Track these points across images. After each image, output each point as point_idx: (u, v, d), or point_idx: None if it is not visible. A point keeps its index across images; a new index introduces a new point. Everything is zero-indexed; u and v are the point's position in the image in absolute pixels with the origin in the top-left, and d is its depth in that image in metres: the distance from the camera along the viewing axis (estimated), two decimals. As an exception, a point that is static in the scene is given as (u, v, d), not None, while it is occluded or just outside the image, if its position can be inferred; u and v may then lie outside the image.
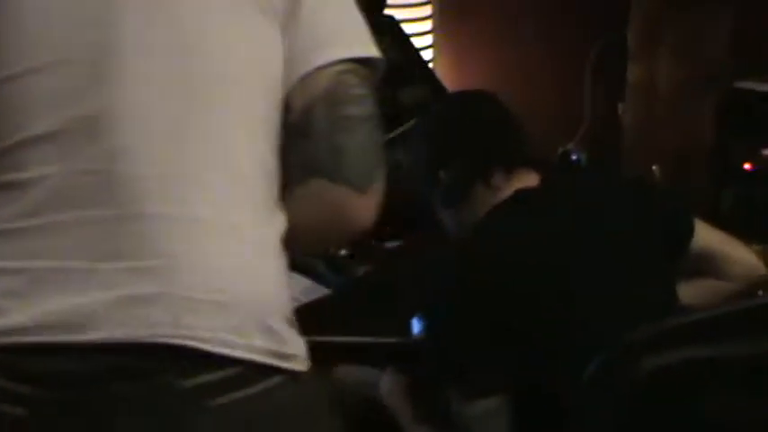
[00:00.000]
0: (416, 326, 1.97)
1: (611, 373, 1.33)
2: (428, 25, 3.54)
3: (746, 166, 3.13)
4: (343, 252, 2.30)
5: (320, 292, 2.17)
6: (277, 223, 1.35)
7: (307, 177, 1.35)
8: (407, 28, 3.22)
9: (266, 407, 1.28)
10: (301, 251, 1.43)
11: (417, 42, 3.22)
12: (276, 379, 1.28)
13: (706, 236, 1.90)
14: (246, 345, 1.26)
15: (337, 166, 1.32)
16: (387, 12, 3.06)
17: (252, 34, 1.34)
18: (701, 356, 1.31)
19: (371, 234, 2.46)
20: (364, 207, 1.35)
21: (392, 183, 2.05)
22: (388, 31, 2.97)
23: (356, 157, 1.33)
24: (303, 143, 1.34)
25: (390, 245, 2.46)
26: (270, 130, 1.35)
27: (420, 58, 3.01)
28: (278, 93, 1.35)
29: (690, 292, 1.88)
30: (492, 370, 1.69)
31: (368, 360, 2.04)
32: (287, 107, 1.35)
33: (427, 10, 3.53)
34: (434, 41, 3.56)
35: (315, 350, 1.96)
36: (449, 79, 3.53)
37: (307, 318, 2.07)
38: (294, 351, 1.31)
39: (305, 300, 2.12)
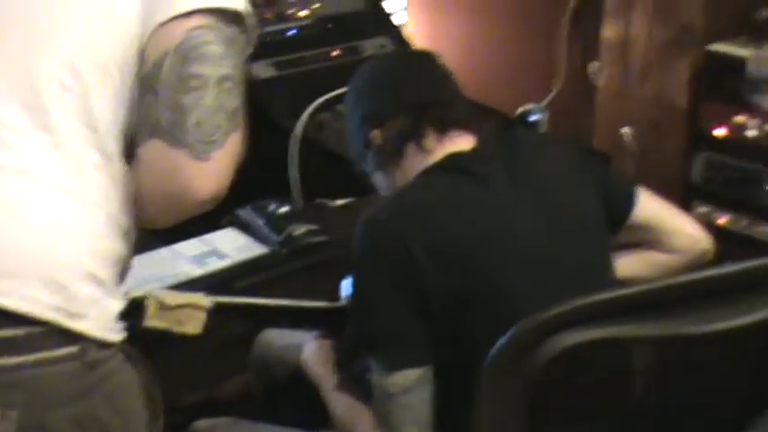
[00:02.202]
0: (345, 289, 1.91)
1: (516, 353, 1.27)
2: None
3: (718, 131, 3.05)
4: (284, 209, 2.23)
5: (256, 250, 2.09)
6: (97, 176, 1.27)
7: (148, 138, 1.27)
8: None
9: (42, 380, 1.21)
10: (146, 221, 1.36)
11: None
12: (63, 350, 1.21)
13: (649, 205, 1.83)
14: (23, 295, 1.19)
15: (177, 127, 1.25)
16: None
17: None
18: (608, 337, 1.24)
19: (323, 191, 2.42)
20: (203, 176, 1.26)
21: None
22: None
23: (198, 120, 1.25)
24: (149, 99, 1.27)
25: (339, 203, 2.39)
26: (105, 79, 1.27)
27: (382, 9, 2.91)
28: (123, 41, 1.28)
29: (629, 265, 1.81)
30: (414, 340, 1.62)
31: (299, 323, 1.98)
32: (142, 58, 1.27)
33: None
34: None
35: (244, 311, 1.93)
36: (422, 36, 3.44)
37: (237, 277, 2.03)
38: (87, 311, 1.24)
39: (238, 258, 2.05)
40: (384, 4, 2.96)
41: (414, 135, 1.73)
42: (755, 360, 1.44)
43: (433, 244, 1.59)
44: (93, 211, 1.27)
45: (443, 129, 1.73)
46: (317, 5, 2.78)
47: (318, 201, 2.37)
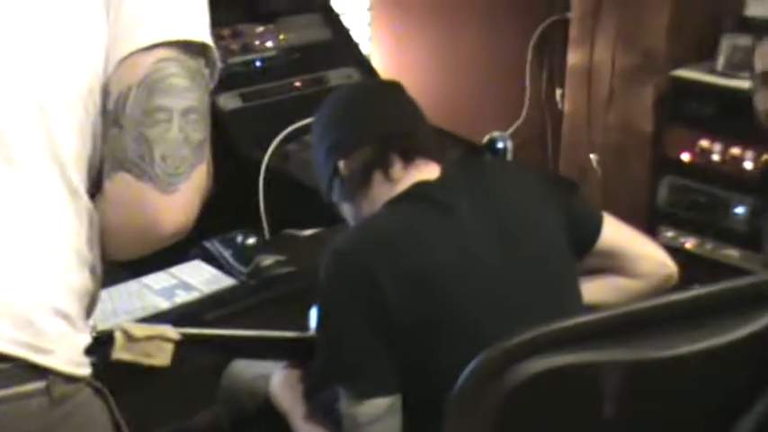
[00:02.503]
0: (314, 319, 1.90)
1: (482, 381, 1.27)
2: (366, 13, 3.46)
3: (683, 156, 3.09)
4: (252, 240, 2.22)
5: (224, 282, 2.09)
6: (62, 211, 1.27)
7: (113, 171, 1.27)
8: (344, 10, 3.15)
9: (10, 417, 1.19)
10: (113, 254, 1.36)
11: (352, 25, 3.14)
12: (31, 386, 1.20)
13: (614, 232, 1.84)
14: None
15: (142, 160, 1.24)
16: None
17: (60, 9, 1.26)
18: (573, 363, 1.25)
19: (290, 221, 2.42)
20: (170, 209, 1.26)
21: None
22: (318, 10, 2.90)
23: (164, 152, 1.25)
24: (114, 132, 1.26)
25: (307, 233, 2.39)
26: (69, 113, 1.26)
27: (350, 38, 2.93)
28: (88, 75, 1.27)
29: (595, 290, 1.83)
30: (382, 369, 1.62)
31: (267, 354, 1.98)
32: (106, 92, 1.27)
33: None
34: (372, 26, 3.48)
35: (212, 343, 1.92)
36: (387, 66, 3.46)
37: (205, 309, 2.03)
38: (54, 347, 1.23)
39: (206, 290, 2.05)
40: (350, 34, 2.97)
41: (380, 165, 1.74)
42: (722, 382, 1.45)
43: (400, 274, 1.60)
44: (60, 247, 1.26)
45: (409, 158, 1.74)
46: (283, 36, 2.79)
47: (286, 231, 2.37)
